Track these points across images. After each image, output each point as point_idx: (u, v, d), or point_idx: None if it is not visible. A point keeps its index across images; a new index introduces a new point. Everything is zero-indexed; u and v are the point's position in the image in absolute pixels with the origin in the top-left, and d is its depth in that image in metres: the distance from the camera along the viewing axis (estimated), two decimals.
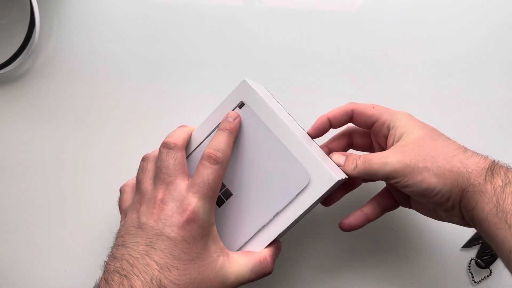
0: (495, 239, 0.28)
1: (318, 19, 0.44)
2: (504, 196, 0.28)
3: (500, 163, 0.30)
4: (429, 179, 0.30)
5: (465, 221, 0.32)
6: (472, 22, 0.44)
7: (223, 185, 0.34)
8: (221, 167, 0.31)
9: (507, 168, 0.30)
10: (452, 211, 0.31)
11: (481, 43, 0.43)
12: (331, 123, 0.36)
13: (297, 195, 0.32)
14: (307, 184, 0.32)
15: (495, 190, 0.28)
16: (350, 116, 0.36)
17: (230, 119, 0.33)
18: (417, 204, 0.35)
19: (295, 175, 0.32)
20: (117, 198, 0.46)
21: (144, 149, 0.45)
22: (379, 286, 0.42)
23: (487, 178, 0.29)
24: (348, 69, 0.44)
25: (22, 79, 0.46)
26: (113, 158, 0.45)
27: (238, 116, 0.34)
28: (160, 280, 0.27)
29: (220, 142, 0.32)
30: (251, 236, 0.34)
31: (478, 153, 0.31)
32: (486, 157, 0.31)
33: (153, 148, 0.45)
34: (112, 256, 0.29)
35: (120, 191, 0.36)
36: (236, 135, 0.34)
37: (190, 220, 0.29)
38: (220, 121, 0.34)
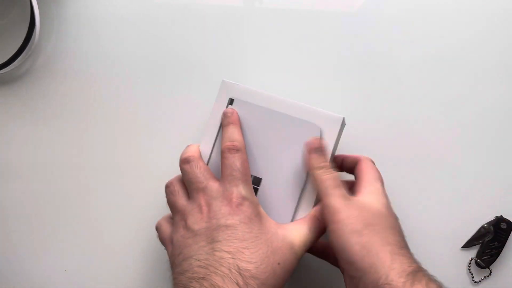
0: None
1: (318, 19, 0.44)
2: None
3: (424, 272, 0.28)
4: (354, 244, 0.29)
5: None
6: (472, 22, 0.44)
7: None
8: (242, 153, 0.33)
9: (430, 278, 0.28)
10: None
11: (482, 42, 0.43)
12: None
13: None
14: (320, 134, 0.35)
15: None
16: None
17: (229, 115, 0.35)
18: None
19: (307, 132, 0.35)
20: (116, 197, 0.46)
21: (144, 148, 0.45)
22: None
23: (407, 283, 0.27)
24: (348, 68, 0.44)
25: (22, 79, 0.46)
26: (113, 158, 0.45)
27: (233, 110, 0.36)
28: (237, 266, 0.27)
29: (231, 133, 0.34)
30: (295, 205, 0.35)
31: (412, 256, 0.30)
32: (415, 262, 0.29)
33: (153, 147, 0.45)
34: (179, 273, 0.29)
35: (157, 228, 0.36)
36: (240, 125, 0.35)
37: (239, 204, 0.30)
38: (219, 125, 0.36)
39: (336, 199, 0.31)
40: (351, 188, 0.35)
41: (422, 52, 0.44)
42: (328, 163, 0.34)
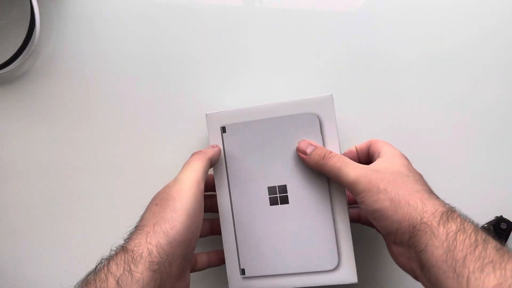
0: None
1: (318, 19, 0.44)
2: (455, 243, 0.26)
3: (459, 212, 0.29)
4: (383, 202, 0.30)
5: (411, 265, 0.30)
6: (472, 21, 0.44)
7: (274, 188, 0.37)
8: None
9: (465, 217, 0.28)
10: (401, 246, 0.30)
11: (482, 42, 0.43)
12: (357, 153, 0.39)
13: (322, 131, 0.36)
14: (320, 119, 0.36)
15: (448, 234, 0.27)
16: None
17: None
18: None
19: (306, 122, 0.36)
20: (116, 198, 0.46)
21: (144, 148, 0.45)
22: (379, 285, 0.42)
23: (441, 221, 0.28)
24: (348, 68, 0.44)
25: (22, 79, 0.46)
26: (114, 158, 0.45)
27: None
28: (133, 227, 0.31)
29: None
30: (329, 198, 0.37)
31: (441, 200, 0.30)
32: (447, 204, 0.30)
33: (154, 147, 0.45)
34: None
35: None
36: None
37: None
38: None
39: (351, 173, 0.32)
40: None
41: (422, 52, 0.44)
42: (327, 150, 0.35)
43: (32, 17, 0.43)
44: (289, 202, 0.37)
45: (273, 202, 0.37)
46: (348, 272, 0.36)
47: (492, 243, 0.26)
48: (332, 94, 0.36)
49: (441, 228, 0.27)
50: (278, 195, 0.37)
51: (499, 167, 0.42)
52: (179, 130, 0.44)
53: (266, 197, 0.37)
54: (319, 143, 0.36)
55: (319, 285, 0.36)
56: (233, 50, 0.45)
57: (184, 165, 0.35)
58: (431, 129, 0.43)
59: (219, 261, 0.39)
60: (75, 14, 0.46)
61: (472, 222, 0.28)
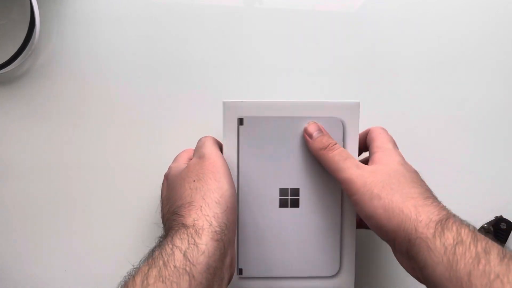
0: None
1: (318, 19, 0.44)
2: (456, 258, 0.25)
3: (455, 218, 0.28)
4: (376, 209, 0.29)
5: (417, 275, 0.29)
6: (472, 21, 0.44)
7: (286, 190, 0.36)
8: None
9: (461, 223, 0.27)
10: (402, 256, 0.29)
11: (482, 42, 0.43)
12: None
13: (344, 138, 0.35)
14: (344, 125, 0.35)
15: (446, 248, 0.25)
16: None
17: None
18: None
19: (331, 128, 0.35)
20: (116, 198, 0.46)
21: (144, 148, 0.45)
22: (378, 284, 0.42)
23: (436, 233, 0.26)
24: (348, 69, 0.44)
25: (22, 79, 0.45)
26: (113, 158, 0.45)
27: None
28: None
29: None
30: (340, 209, 0.36)
31: (439, 204, 0.29)
32: (443, 209, 0.29)
33: (153, 147, 0.45)
34: None
35: None
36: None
37: None
38: (233, 151, 0.36)
39: (348, 171, 0.31)
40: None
41: (421, 52, 0.44)
42: (332, 141, 0.34)
43: (32, 17, 0.43)
44: (299, 206, 0.36)
45: (283, 204, 0.36)
46: (346, 280, 0.36)
47: (494, 252, 0.25)
48: (359, 102, 0.35)
49: (438, 242, 0.26)
50: (289, 197, 0.36)
51: (499, 167, 0.42)
52: (179, 130, 0.44)
53: (276, 198, 0.36)
54: None
55: None
56: (232, 51, 0.45)
57: (199, 146, 0.36)
58: (431, 129, 0.43)
59: None
60: (75, 14, 0.46)
61: (469, 228, 0.27)
